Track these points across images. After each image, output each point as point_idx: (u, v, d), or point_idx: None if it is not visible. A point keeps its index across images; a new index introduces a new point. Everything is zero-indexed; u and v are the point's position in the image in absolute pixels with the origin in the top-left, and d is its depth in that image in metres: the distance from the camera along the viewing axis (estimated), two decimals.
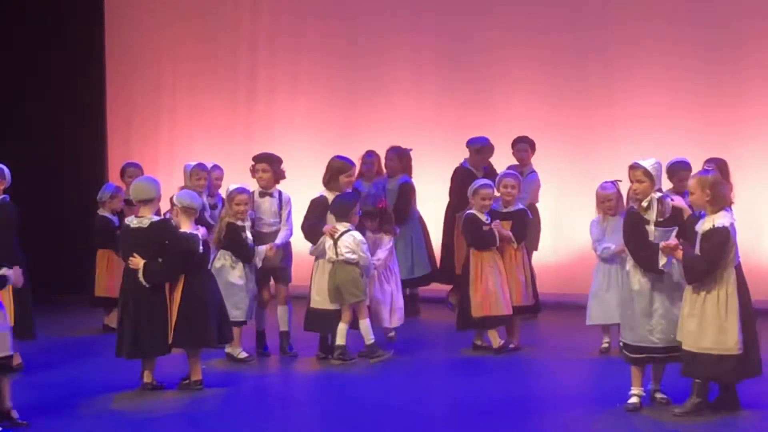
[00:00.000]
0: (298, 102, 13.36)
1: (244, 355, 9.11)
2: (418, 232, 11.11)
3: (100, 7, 13.93)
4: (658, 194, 7.42)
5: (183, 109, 13.90)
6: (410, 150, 11.20)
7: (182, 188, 9.21)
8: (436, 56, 12.83)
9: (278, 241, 9.27)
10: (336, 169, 9.26)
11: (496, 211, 9.49)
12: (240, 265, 9.06)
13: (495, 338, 9.42)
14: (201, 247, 8.15)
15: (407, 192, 11.07)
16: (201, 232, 8.23)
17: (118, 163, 13.65)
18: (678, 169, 9.33)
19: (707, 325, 7.12)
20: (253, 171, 9.47)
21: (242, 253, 9.05)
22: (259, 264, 9.16)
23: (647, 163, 7.43)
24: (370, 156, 11.22)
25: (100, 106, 13.99)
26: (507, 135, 11.50)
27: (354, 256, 8.97)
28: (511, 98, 12.55)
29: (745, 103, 11.81)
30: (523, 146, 11.35)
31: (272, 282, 9.51)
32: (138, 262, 7.92)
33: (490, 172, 10.97)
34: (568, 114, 12.37)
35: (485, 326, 9.46)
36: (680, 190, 9.21)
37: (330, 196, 9.23)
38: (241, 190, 9.06)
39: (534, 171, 11.24)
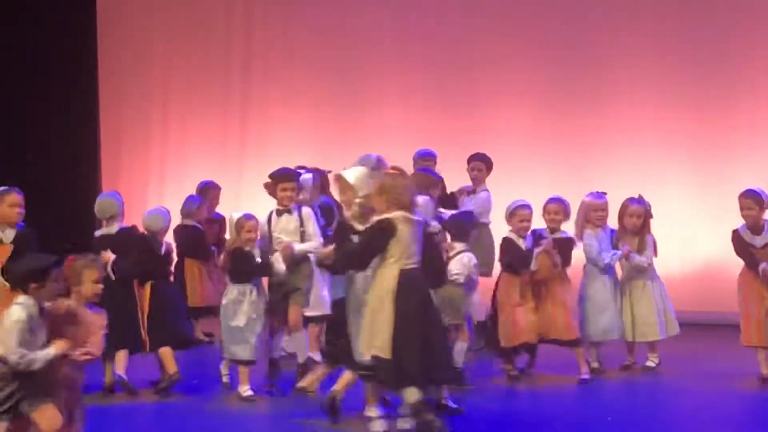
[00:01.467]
0: (290, 114, 13.39)
1: (248, 393, 8.52)
2: None
3: (92, 19, 13.96)
4: (359, 200, 7.24)
5: (175, 121, 13.95)
6: (329, 172, 10.03)
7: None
8: (425, 68, 12.92)
9: (299, 246, 8.69)
10: (430, 184, 8.73)
11: (541, 235, 9.11)
12: (247, 300, 8.50)
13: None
14: (163, 252, 8.75)
15: (329, 212, 9.76)
16: (165, 245, 8.86)
17: (110, 174, 13.62)
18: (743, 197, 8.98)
19: (364, 325, 6.92)
20: (272, 189, 8.99)
21: (255, 274, 8.60)
22: (283, 266, 8.59)
23: (349, 174, 7.35)
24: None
25: (93, 118, 13.99)
26: (495, 145, 11.44)
27: (461, 279, 8.62)
28: (499, 108, 12.63)
29: (732, 112, 11.97)
30: (477, 164, 10.57)
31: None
32: (108, 256, 8.44)
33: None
34: (557, 124, 12.46)
35: (514, 353, 9.18)
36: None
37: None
38: (249, 217, 8.60)
39: (486, 189, 10.56)
